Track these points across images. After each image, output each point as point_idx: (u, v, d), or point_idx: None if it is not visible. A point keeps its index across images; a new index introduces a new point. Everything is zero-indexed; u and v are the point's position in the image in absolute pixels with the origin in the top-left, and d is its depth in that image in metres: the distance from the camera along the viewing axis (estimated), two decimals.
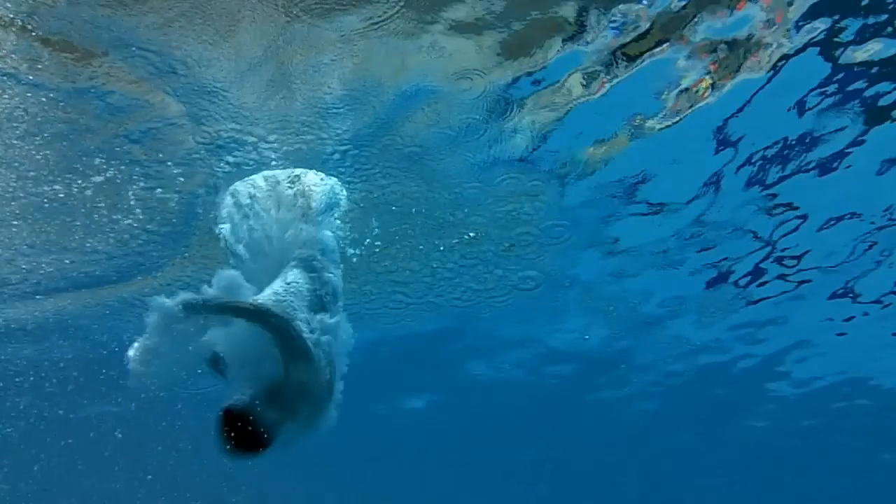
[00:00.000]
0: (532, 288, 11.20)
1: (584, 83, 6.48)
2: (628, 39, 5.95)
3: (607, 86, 6.48)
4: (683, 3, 5.58)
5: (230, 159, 7.25)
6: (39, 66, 5.79)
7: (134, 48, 5.70)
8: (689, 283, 11.21)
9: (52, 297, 10.84)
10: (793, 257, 10.23)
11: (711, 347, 15.24)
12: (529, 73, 6.31)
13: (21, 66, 5.76)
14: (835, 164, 7.77)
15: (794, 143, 7.42)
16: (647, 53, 6.11)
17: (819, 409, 20.37)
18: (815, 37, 5.91)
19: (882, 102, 6.68)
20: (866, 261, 10.24)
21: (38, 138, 6.72)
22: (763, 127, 7.22)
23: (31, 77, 5.91)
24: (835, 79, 6.44)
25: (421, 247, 9.51)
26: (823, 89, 6.57)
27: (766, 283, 11.19)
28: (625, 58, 6.18)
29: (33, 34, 5.46)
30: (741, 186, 8.26)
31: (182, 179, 7.62)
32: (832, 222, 9.17)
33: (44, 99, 6.20)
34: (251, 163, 7.31)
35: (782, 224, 9.22)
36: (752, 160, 7.73)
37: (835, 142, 7.37)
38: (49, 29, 5.43)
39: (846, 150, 7.50)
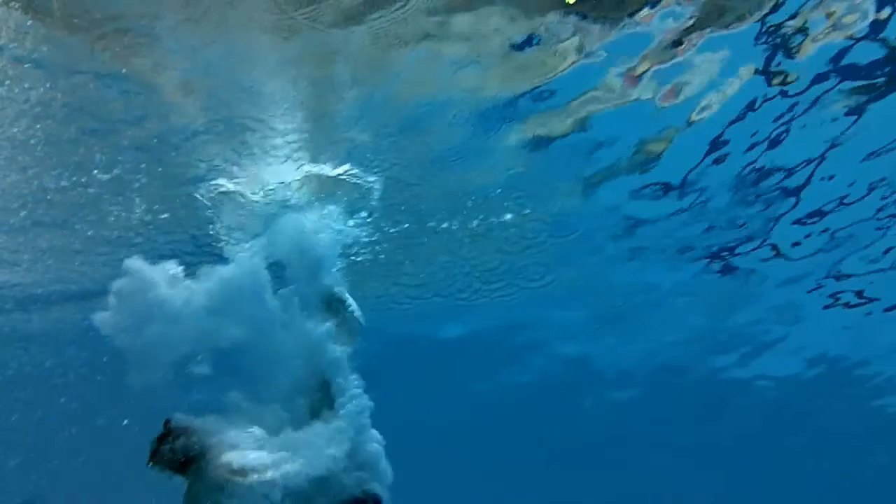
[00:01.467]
0: (540, 286, 11.36)
1: (596, 91, 6.63)
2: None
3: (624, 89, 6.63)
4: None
5: (245, 165, 7.24)
6: (42, 49, 5.55)
7: (154, 38, 5.56)
8: (693, 274, 11.40)
9: (60, 304, 10.92)
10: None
11: (713, 338, 15.39)
12: (540, 84, 6.42)
13: (25, 46, 5.48)
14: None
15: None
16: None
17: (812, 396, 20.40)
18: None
19: None
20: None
21: (41, 132, 6.54)
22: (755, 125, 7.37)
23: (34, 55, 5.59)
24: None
25: (426, 240, 9.51)
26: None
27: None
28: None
29: (41, 14, 5.25)
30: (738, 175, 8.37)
31: (192, 180, 7.54)
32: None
33: (46, 87, 5.95)
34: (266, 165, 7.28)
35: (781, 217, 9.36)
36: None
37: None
38: (62, 10, 5.23)
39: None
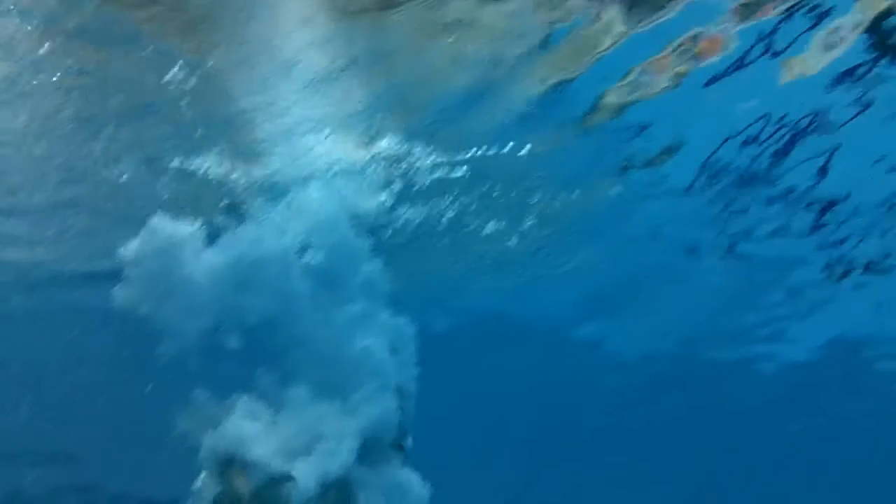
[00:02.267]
0: (565, 272, 11.37)
1: (625, 80, 6.71)
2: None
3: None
4: None
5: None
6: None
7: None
8: (713, 256, 11.40)
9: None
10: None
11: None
12: (573, 72, 6.49)
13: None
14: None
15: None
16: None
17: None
18: None
19: None
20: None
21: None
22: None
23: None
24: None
25: (450, 224, 9.62)
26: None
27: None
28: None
29: None
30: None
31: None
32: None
33: (78, 60, 5.95)
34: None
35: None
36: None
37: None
38: None
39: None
